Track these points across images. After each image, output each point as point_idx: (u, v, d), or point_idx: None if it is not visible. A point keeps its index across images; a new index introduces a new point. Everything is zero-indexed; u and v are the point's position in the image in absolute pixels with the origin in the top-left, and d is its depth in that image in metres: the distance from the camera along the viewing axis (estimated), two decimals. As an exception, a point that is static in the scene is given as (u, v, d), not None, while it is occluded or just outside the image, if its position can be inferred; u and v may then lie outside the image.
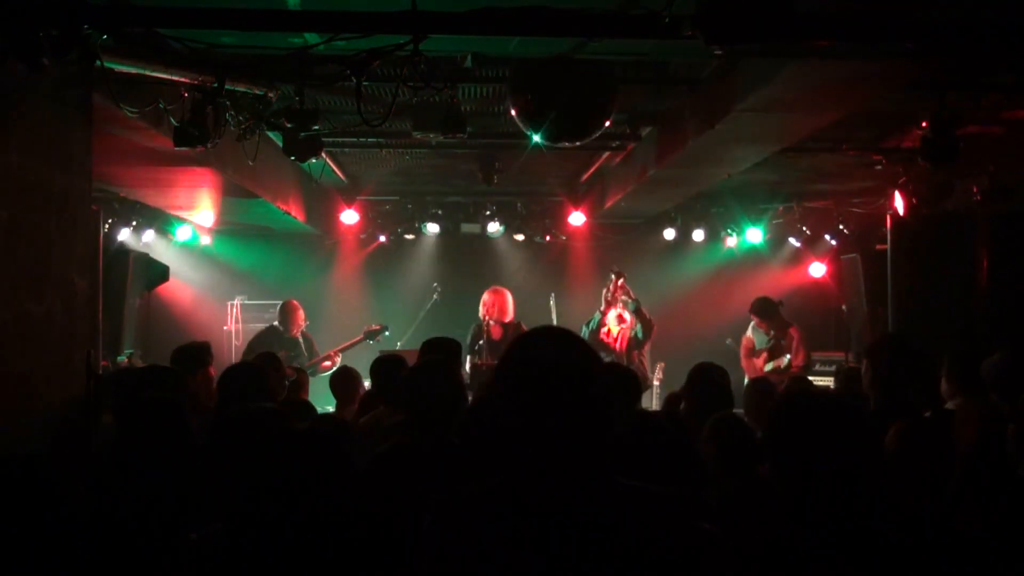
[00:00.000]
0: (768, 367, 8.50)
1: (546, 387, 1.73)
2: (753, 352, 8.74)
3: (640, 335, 8.33)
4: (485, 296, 8.20)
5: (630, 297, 8.46)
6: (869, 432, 2.27)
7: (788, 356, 8.50)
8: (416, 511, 1.87)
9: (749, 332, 8.87)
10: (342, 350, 8.35)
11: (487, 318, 8.01)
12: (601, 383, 1.77)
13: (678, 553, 1.69)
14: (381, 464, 3.28)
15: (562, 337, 1.84)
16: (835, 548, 2.09)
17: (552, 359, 1.77)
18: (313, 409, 5.28)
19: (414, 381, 3.48)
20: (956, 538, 2.54)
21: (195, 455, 3.07)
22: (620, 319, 8.39)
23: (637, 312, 8.37)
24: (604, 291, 8.55)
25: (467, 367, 7.35)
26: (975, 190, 7.57)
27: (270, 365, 4.92)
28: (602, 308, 8.50)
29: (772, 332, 8.58)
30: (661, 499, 1.77)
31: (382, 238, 11.08)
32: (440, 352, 4.95)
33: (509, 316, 8.07)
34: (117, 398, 4.05)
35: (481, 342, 7.87)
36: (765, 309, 8.67)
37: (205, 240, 10.82)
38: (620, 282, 8.45)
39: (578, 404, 1.72)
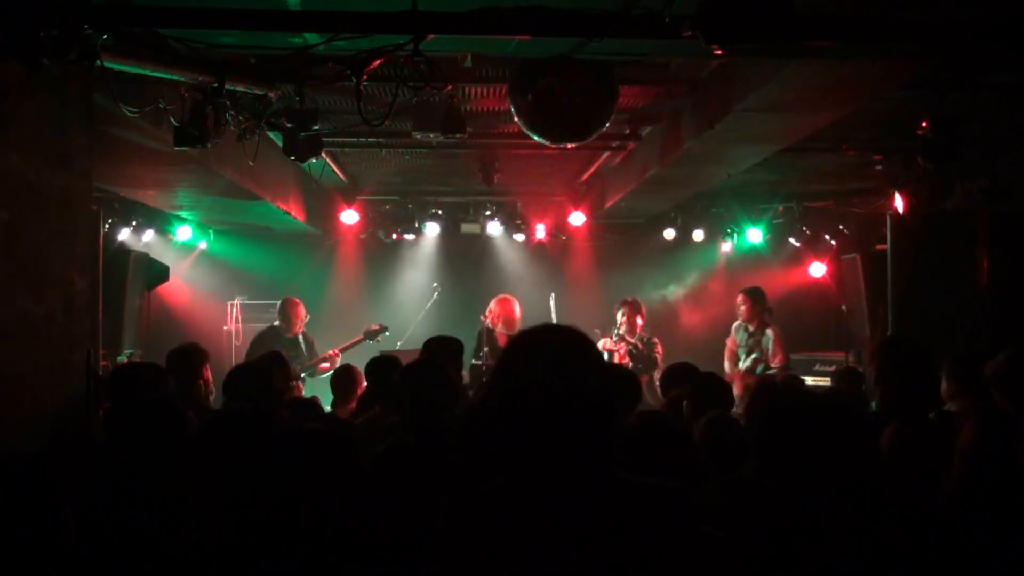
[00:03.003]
0: (744, 365, 8.48)
1: (547, 388, 1.73)
2: (736, 355, 8.72)
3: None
4: (492, 305, 8.19)
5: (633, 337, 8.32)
6: (858, 431, 2.27)
7: (755, 355, 8.45)
8: (414, 511, 1.87)
9: (733, 331, 8.85)
10: (342, 350, 8.33)
11: (494, 326, 8.02)
12: (603, 381, 1.77)
13: (679, 551, 1.70)
14: (379, 464, 3.27)
15: (563, 335, 1.83)
16: (823, 545, 2.09)
17: (552, 360, 1.76)
18: (319, 408, 5.29)
19: (405, 381, 3.48)
20: (950, 536, 2.54)
21: (191, 454, 3.07)
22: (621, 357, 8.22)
23: (640, 352, 8.23)
24: (618, 329, 8.38)
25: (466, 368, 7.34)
26: (975, 190, 7.57)
27: (275, 364, 4.93)
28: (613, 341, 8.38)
29: (751, 329, 8.53)
30: (661, 494, 1.77)
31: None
32: (443, 351, 4.96)
33: (516, 326, 7.98)
34: (109, 397, 4.07)
35: (486, 349, 7.85)
36: (754, 293, 8.66)
37: (205, 240, 10.82)
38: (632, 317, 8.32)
39: (580, 404, 1.72)
